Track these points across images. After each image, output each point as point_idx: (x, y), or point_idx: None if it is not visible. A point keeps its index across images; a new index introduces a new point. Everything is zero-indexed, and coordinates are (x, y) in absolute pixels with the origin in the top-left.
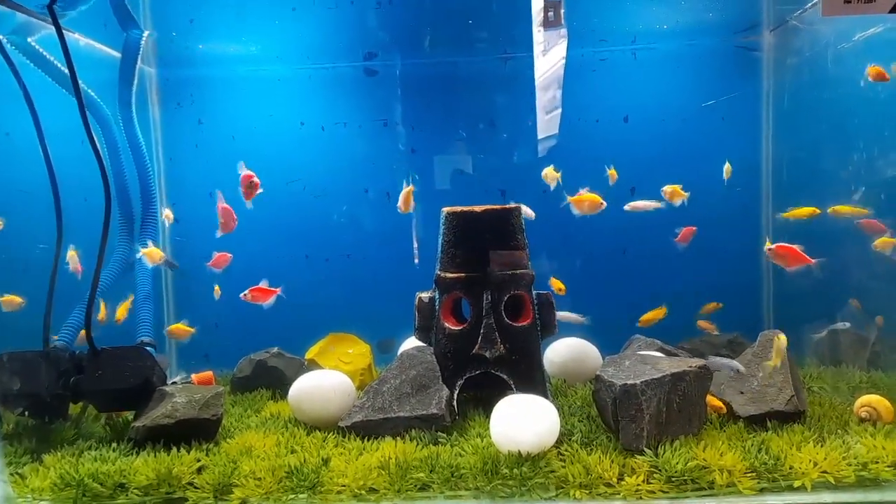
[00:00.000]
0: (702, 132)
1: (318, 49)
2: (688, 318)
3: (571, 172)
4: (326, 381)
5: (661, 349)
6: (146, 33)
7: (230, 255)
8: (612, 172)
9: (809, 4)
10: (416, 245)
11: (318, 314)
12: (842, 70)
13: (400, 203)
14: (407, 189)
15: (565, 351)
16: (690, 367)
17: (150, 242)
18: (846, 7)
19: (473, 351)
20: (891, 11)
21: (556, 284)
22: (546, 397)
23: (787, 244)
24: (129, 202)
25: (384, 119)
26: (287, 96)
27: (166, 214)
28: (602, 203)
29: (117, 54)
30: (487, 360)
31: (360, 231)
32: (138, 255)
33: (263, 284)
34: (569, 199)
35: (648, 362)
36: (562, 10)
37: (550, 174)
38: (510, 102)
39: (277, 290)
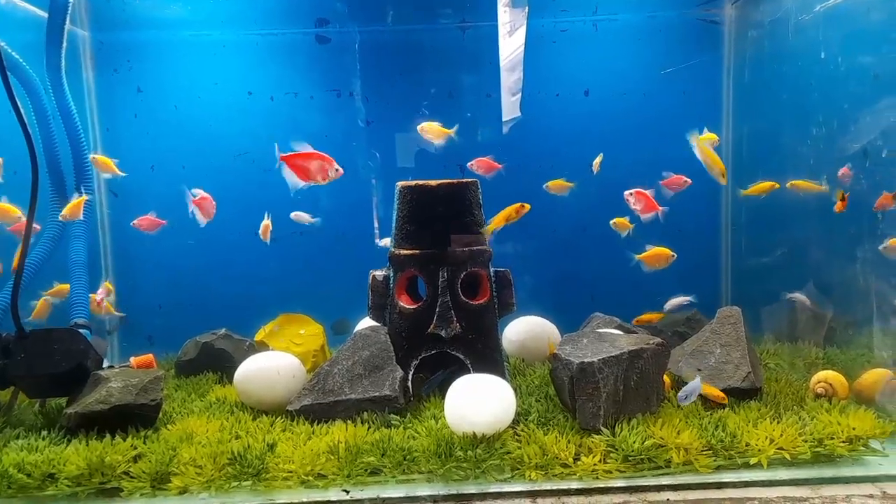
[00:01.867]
0: (663, 106)
1: (266, 13)
2: (647, 295)
3: (532, 149)
4: (273, 364)
5: (619, 327)
6: None
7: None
8: (598, 160)
9: None
10: (376, 224)
11: (269, 294)
12: (802, 42)
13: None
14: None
15: (524, 329)
16: (648, 344)
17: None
18: None
19: (429, 330)
20: None
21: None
22: (504, 377)
23: (642, 190)
24: (60, 174)
25: (337, 89)
26: (233, 63)
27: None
28: (673, 255)
29: (44, 14)
30: (443, 340)
31: (314, 207)
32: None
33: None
34: (637, 257)
35: (606, 340)
36: None
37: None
38: (469, 72)
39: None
